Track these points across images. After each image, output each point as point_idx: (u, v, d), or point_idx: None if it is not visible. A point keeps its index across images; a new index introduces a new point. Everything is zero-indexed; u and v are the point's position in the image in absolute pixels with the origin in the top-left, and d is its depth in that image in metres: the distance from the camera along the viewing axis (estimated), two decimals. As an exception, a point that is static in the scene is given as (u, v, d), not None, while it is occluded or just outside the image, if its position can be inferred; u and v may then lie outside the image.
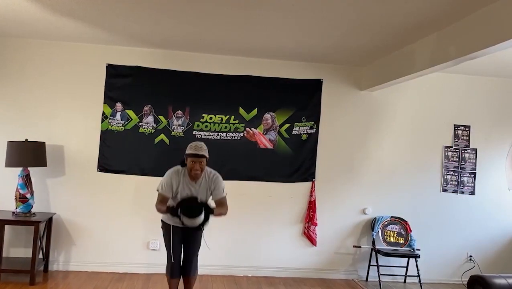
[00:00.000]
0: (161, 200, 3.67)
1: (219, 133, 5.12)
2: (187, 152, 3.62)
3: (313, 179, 5.28)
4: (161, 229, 3.86)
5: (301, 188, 5.28)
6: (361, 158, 5.36)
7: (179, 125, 5.08)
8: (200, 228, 3.60)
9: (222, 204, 3.73)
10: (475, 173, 5.49)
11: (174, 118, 5.08)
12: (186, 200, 3.56)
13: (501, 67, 4.97)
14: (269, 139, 5.20)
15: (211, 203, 3.72)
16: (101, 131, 5.00)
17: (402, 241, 5.24)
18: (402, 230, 5.27)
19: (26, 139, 4.65)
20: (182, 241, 3.78)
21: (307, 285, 5.01)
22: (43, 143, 4.71)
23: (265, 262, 5.22)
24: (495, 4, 3.05)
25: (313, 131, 5.26)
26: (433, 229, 5.42)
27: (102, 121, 5.01)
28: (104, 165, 5.02)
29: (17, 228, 4.85)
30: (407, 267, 5.29)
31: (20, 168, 4.59)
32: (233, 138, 5.13)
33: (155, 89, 5.05)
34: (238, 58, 5.16)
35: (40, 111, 4.94)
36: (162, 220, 3.85)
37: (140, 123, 5.05)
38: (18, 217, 4.52)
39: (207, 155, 3.61)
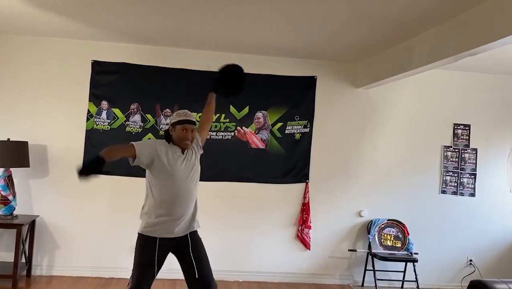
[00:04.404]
0: (124, 148, 3.00)
1: (209, 133, 4.95)
2: (175, 120, 3.07)
3: (307, 180, 5.15)
4: (136, 245, 3.07)
5: (294, 190, 5.15)
6: (356, 159, 5.24)
7: (167, 124, 4.93)
8: (196, 235, 3.14)
9: (200, 125, 3.39)
10: (475, 174, 5.36)
11: (162, 116, 4.95)
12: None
13: (502, 63, 4.86)
14: (261, 139, 5.08)
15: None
16: (86, 130, 4.87)
17: (399, 245, 5.12)
18: (399, 233, 5.16)
19: (8, 139, 4.53)
20: (184, 260, 3.13)
21: (301, 291, 4.91)
22: (26, 142, 4.57)
23: (257, 267, 5.09)
24: (497, -3, 2.96)
25: (307, 130, 5.14)
26: (432, 232, 5.30)
27: (87, 120, 4.87)
28: (89, 166, 4.86)
29: (-2, 231, 4.73)
30: (404, 271, 5.17)
31: (2, 169, 4.48)
32: (223, 138, 5.00)
33: (142, 87, 4.92)
34: (228, 54, 5.01)
35: (23, 110, 4.81)
36: (140, 233, 3.06)
37: (126, 122, 4.91)
38: (0, 220, 4.39)
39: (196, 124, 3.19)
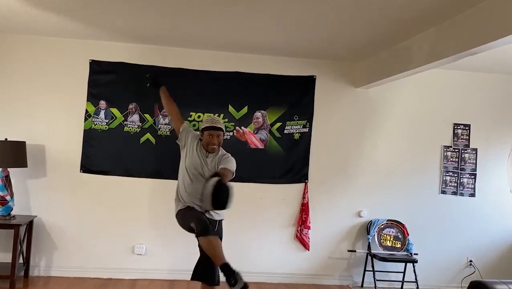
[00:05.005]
0: (179, 115, 3.90)
1: (208, 132, 4.94)
2: (203, 126, 3.59)
3: (306, 181, 5.11)
4: (177, 219, 3.57)
5: (293, 190, 5.11)
6: (356, 159, 5.19)
7: (165, 124, 4.90)
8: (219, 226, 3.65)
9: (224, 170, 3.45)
10: (475, 174, 5.32)
11: (160, 116, 4.90)
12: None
13: (502, 63, 4.83)
14: (260, 139, 5.03)
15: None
16: (84, 130, 4.83)
17: (399, 245, 5.08)
18: (399, 234, 5.12)
19: (6, 139, 4.49)
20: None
21: (300, 291, 4.87)
22: (24, 142, 4.54)
23: (256, 268, 5.04)
24: (497, -4, 2.92)
25: (306, 130, 5.09)
26: (432, 232, 5.26)
27: (85, 119, 4.84)
28: (87, 166, 4.84)
29: (-4, 232, 4.69)
30: (404, 272, 5.12)
31: (0, 169, 4.43)
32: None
33: (140, 87, 4.81)
34: (227, 53, 4.99)
35: (21, 110, 4.77)
36: (180, 209, 3.54)
37: (125, 122, 4.87)
38: (-3, 220, 4.36)
39: (224, 129, 3.64)
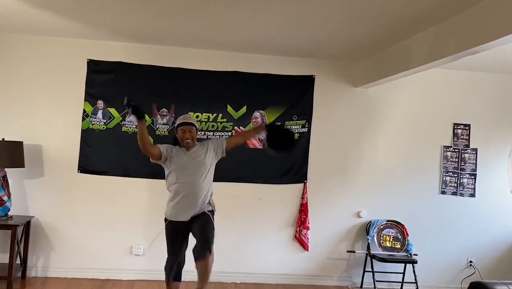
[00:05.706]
0: (151, 145, 3.65)
1: (206, 132, 4.93)
2: (176, 124, 3.75)
3: (305, 181, 5.08)
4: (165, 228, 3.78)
5: (292, 190, 5.08)
6: (355, 159, 5.17)
7: (164, 124, 4.89)
8: (206, 215, 3.65)
9: (234, 137, 4.04)
10: (475, 174, 5.30)
11: (158, 116, 4.88)
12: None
13: (503, 63, 4.81)
14: (259, 139, 5.01)
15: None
16: (82, 130, 4.81)
17: (398, 246, 5.06)
18: (398, 234, 5.10)
19: (3, 139, 4.47)
20: (189, 235, 3.74)
21: (299, 292, 4.85)
22: (21, 142, 4.52)
23: (255, 268, 5.03)
24: (498, -5, 2.90)
25: (305, 130, 5.07)
26: (431, 233, 5.24)
27: (83, 119, 4.81)
28: (85, 166, 4.82)
29: (-7, 232, 4.66)
30: (403, 273, 5.10)
31: (-4, 169, 4.42)
32: (221, 138, 4.93)
33: (138, 86, 4.85)
34: (226, 53, 4.97)
35: (18, 109, 4.75)
36: (165, 218, 3.76)
37: (122, 122, 4.85)
38: (-6, 221, 4.34)
39: (196, 124, 3.75)
